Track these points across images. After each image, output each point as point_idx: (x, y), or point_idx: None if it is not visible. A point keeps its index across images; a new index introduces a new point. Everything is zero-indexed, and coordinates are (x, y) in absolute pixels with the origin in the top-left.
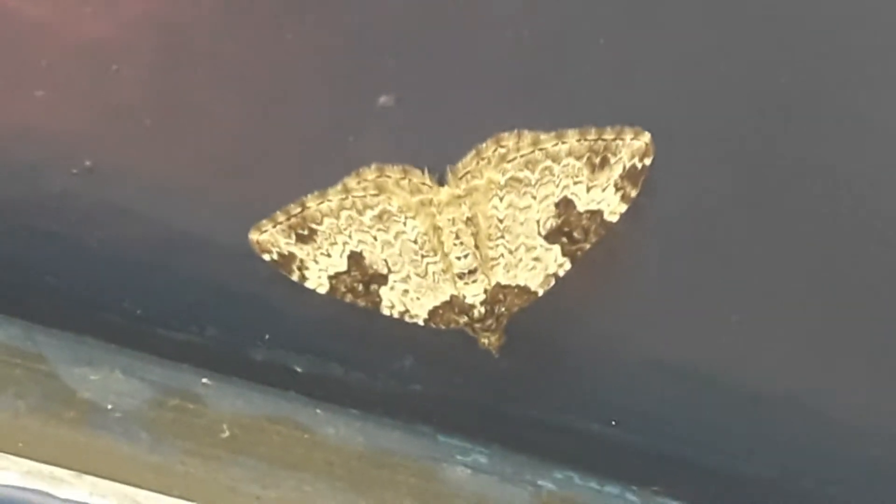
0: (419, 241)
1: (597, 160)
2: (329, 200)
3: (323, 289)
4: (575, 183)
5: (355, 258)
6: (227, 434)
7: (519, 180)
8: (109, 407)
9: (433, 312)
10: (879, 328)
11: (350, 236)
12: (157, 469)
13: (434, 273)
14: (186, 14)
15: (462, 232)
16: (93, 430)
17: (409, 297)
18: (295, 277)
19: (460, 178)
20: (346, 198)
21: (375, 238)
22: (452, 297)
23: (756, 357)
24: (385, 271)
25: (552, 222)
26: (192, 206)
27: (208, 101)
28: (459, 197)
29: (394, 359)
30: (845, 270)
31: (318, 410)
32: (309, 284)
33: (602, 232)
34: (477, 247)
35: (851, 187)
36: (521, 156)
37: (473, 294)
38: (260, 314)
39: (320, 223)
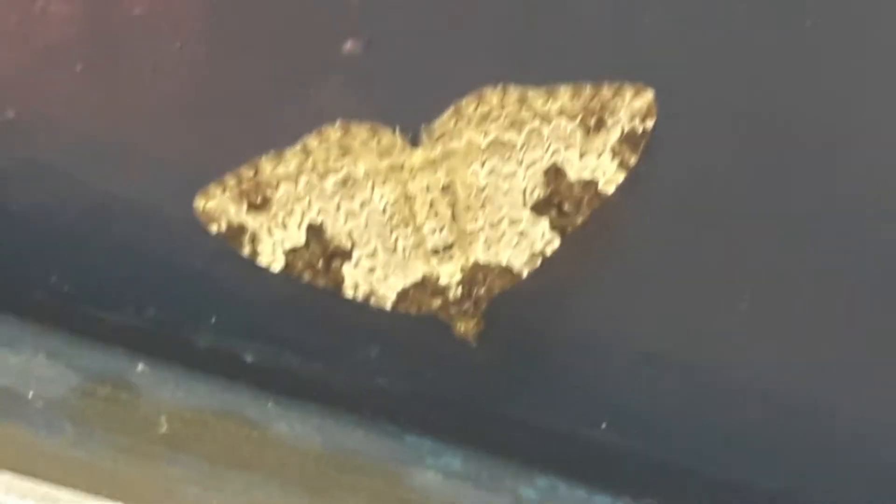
0: (388, 211)
1: (592, 122)
2: (286, 163)
3: (278, 266)
4: (566, 148)
5: (315, 230)
6: (164, 429)
7: (503, 143)
8: (30, 395)
9: (403, 294)
10: None
11: (309, 205)
12: (84, 466)
13: (404, 248)
14: None
15: (437, 201)
16: (11, 420)
17: (375, 277)
18: (246, 252)
19: (436, 140)
20: (306, 160)
21: (338, 207)
22: (425, 276)
23: (767, 352)
24: (349, 246)
25: (540, 192)
26: (129, 167)
27: (149, 43)
28: (435, 161)
29: (357, 348)
30: (871, 252)
31: (270, 404)
32: (262, 260)
33: (596, 204)
34: (454, 219)
35: (875, 162)
36: (506, 115)
37: (449, 273)
38: (205, 294)
39: (276, 189)
